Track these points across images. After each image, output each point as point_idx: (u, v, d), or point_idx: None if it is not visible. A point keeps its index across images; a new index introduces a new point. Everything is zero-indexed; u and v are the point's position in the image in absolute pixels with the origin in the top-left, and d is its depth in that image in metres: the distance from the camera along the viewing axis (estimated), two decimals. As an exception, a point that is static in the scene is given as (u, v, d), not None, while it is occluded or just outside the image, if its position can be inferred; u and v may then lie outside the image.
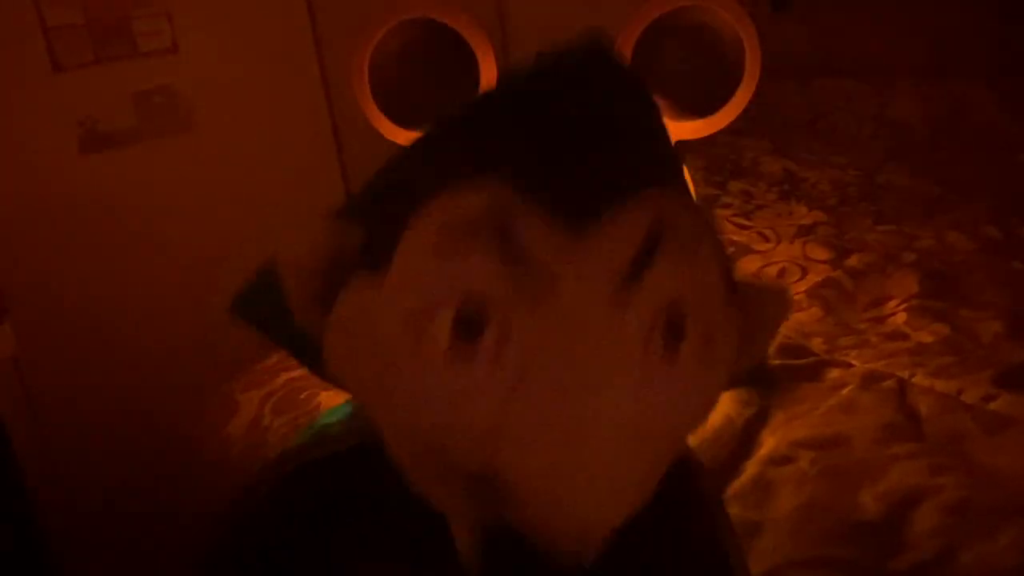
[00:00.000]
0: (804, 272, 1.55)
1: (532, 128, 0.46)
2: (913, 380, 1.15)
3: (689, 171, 1.28)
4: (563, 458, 0.42)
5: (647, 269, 0.43)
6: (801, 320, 1.37)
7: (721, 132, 1.24)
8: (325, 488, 0.58)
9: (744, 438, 1.05)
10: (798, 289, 1.49)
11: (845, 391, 1.13)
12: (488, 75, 1.26)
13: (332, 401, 1.30)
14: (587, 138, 0.46)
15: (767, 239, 1.72)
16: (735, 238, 1.72)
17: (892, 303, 1.40)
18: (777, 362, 1.21)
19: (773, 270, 1.59)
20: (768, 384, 0.62)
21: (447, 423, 0.44)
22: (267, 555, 0.59)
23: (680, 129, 1.26)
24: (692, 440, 1.03)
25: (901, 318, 1.35)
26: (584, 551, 0.44)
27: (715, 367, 0.47)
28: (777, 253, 1.65)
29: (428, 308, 0.43)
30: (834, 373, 1.19)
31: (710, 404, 0.50)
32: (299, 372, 1.42)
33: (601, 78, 0.49)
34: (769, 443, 1.04)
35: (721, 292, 0.48)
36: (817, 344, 1.28)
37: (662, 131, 0.51)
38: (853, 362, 1.21)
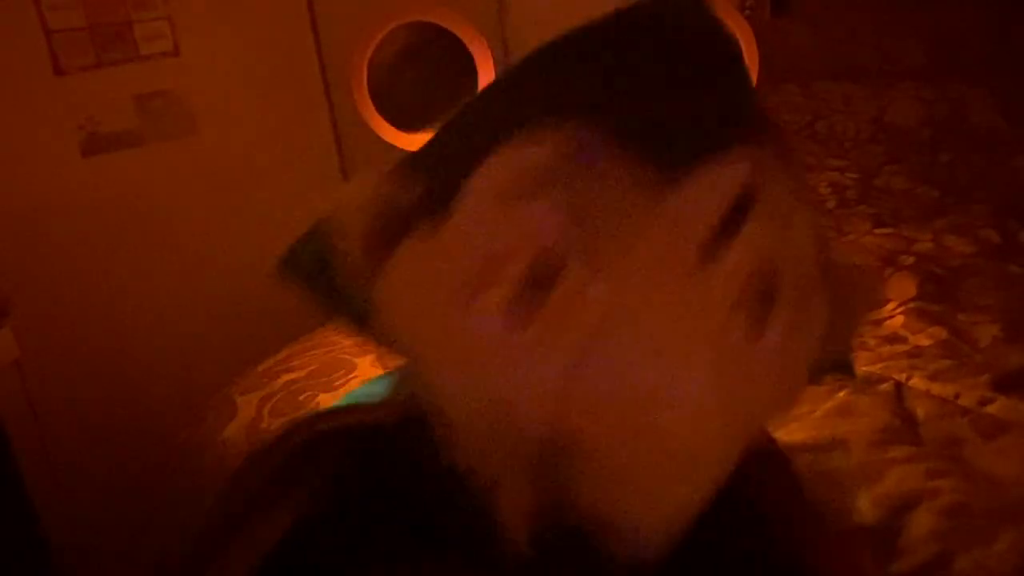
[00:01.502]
0: (803, 275, 1.56)
1: (615, 70, 0.41)
2: (910, 383, 1.15)
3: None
4: (635, 429, 0.38)
5: (737, 231, 0.39)
6: (799, 323, 1.37)
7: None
8: (347, 460, 0.50)
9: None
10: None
11: (842, 394, 1.13)
12: (486, 78, 1.26)
13: (330, 403, 1.30)
14: (677, 84, 0.41)
15: (766, 242, 1.72)
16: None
17: (890, 306, 1.40)
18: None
19: (772, 273, 1.59)
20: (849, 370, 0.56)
21: (511, 383, 0.39)
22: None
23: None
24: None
25: (899, 321, 1.34)
26: (649, 542, 0.38)
27: (804, 347, 0.42)
28: (776, 256, 1.65)
29: (492, 261, 0.39)
30: (830, 375, 1.19)
31: (796, 387, 0.44)
32: (298, 374, 1.42)
33: (691, 23, 0.43)
34: (766, 446, 1.04)
35: (815, 266, 0.43)
36: (815, 347, 1.28)
37: (751, 87, 0.46)
38: (851, 365, 1.21)
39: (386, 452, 0.48)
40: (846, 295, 0.45)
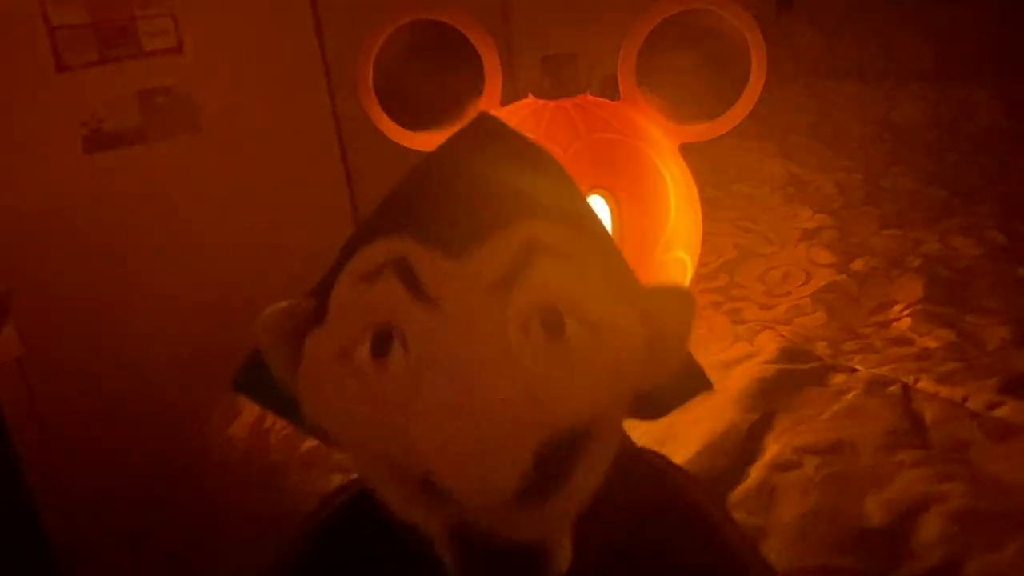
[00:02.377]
0: (808, 276, 1.55)
1: (426, 192, 0.58)
2: (918, 386, 1.14)
3: (692, 173, 1.28)
4: (465, 429, 0.49)
5: (520, 276, 0.53)
6: (805, 324, 1.37)
7: (726, 134, 1.24)
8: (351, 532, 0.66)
9: (749, 443, 1.05)
10: (802, 293, 1.49)
11: (850, 396, 1.13)
12: (492, 77, 1.25)
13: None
14: (463, 190, 0.57)
15: (771, 242, 1.72)
16: (738, 241, 1.72)
17: (897, 308, 1.40)
18: (781, 367, 1.21)
19: (777, 273, 1.58)
20: (698, 386, 0.67)
21: (381, 429, 0.53)
22: None
23: (686, 132, 1.26)
24: (696, 445, 1.03)
25: (906, 323, 1.34)
26: (491, 496, 0.50)
27: (606, 355, 0.54)
28: (781, 256, 1.65)
29: (351, 337, 0.54)
30: (838, 378, 1.18)
31: (612, 386, 0.55)
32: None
33: (478, 145, 0.61)
34: (773, 448, 1.03)
35: (605, 292, 0.56)
36: (821, 348, 1.28)
37: (551, 166, 0.62)
38: (857, 367, 1.21)
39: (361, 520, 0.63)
40: (659, 311, 0.58)
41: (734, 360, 1.21)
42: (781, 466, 1.00)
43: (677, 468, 0.74)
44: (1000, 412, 1.06)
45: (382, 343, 0.53)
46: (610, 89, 1.26)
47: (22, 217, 1.77)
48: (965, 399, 1.10)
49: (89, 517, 1.71)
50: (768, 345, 1.27)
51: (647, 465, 0.69)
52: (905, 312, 1.37)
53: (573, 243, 0.56)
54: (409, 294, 0.52)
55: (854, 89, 2.39)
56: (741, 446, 1.04)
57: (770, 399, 1.11)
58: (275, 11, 2.09)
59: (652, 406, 0.63)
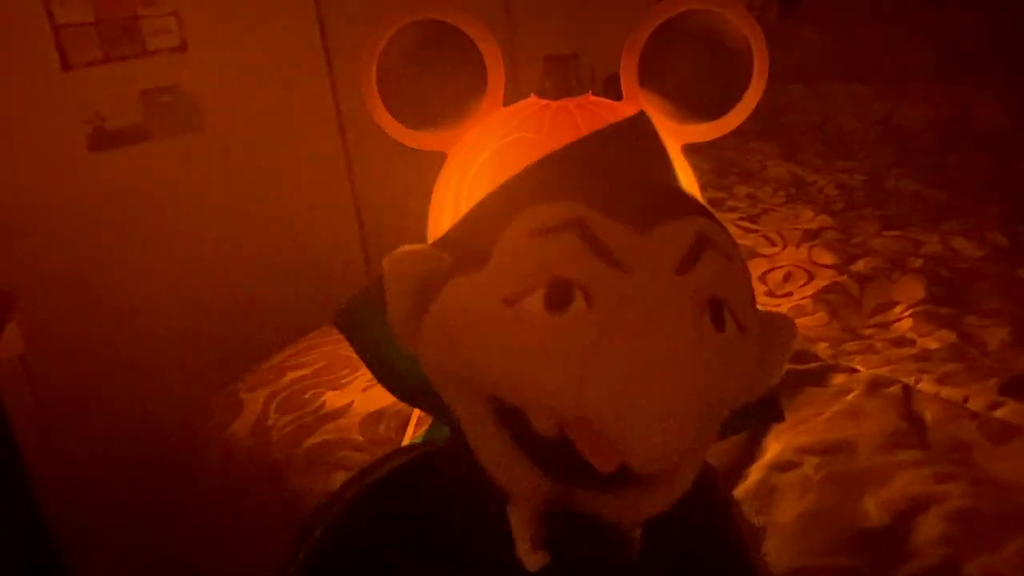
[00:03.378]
0: (810, 276, 1.55)
1: (599, 167, 0.60)
2: (918, 387, 1.15)
3: (695, 174, 1.28)
4: (640, 392, 0.51)
5: (695, 265, 0.55)
6: (806, 325, 1.37)
7: (728, 135, 1.24)
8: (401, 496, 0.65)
9: (749, 443, 1.05)
10: (804, 293, 1.49)
11: (850, 397, 1.13)
12: (495, 76, 1.25)
13: (336, 401, 1.30)
14: (638, 175, 0.59)
15: (773, 243, 1.72)
16: (741, 242, 1.72)
17: (898, 309, 1.40)
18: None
19: (779, 274, 1.58)
20: (774, 414, 0.71)
21: (542, 378, 0.52)
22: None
23: (688, 132, 1.26)
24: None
25: (907, 324, 1.34)
26: (654, 469, 0.52)
27: (749, 356, 0.58)
28: (783, 257, 1.65)
29: (525, 286, 0.53)
30: (839, 378, 1.19)
31: (751, 382, 0.59)
32: (305, 371, 1.42)
33: (643, 138, 0.64)
34: (774, 448, 1.03)
35: (753, 298, 0.60)
36: (822, 349, 1.28)
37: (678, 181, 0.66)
38: (858, 367, 1.21)
39: (426, 484, 0.64)
40: (767, 334, 0.61)
41: (735, 360, 1.21)
42: (781, 466, 1.00)
43: (714, 468, 0.77)
44: (1000, 413, 1.07)
45: (559, 296, 0.52)
46: (612, 89, 1.27)
47: (25, 215, 1.77)
48: (965, 400, 1.10)
49: (90, 514, 1.71)
50: (769, 345, 1.27)
51: (710, 480, 0.71)
52: (906, 313, 1.37)
53: (732, 247, 0.59)
54: (595, 255, 0.53)
55: (856, 90, 2.39)
56: (741, 446, 1.05)
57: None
58: (279, 10, 2.09)
59: (738, 421, 0.64)
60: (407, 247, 0.59)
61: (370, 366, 0.66)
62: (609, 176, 0.59)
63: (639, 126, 0.65)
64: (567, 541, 0.55)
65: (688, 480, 0.58)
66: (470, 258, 0.57)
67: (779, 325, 0.63)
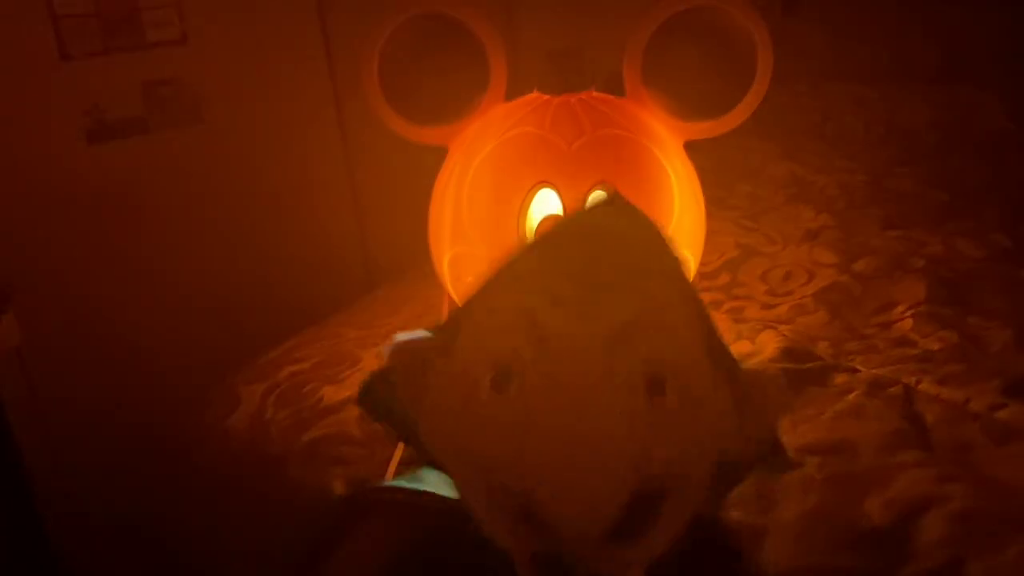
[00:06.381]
0: (811, 276, 1.55)
1: (555, 256, 0.65)
2: (920, 387, 1.14)
3: (696, 172, 1.28)
4: (573, 456, 0.56)
5: (628, 344, 0.59)
6: (807, 324, 1.37)
7: (729, 133, 1.23)
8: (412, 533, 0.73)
9: (749, 442, 1.05)
10: (804, 292, 1.48)
11: (851, 396, 1.13)
12: (497, 71, 1.25)
13: (335, 395, 1.30)
14: (589, 255, 0.63)
15: (774, 242, 1.71)
16: (742, 240, 1.72)
17: (899, 309, 1.39)
18: (783, 366, 1.21)
19: (779, 273, 1.58)
20: (781, 465, 0.72)
21: (493, 450, 0.59)
22: None
23: (690, 130, 1.25)
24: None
25: (908, 324, 1.34)
26: (588, 535, 0.56)
27: (699, 421, 0.61)
28: (783, 256, 1.65)
29: (475, 373, 0.61)
30: (840, 378, 1.18)
31: (701, 450, 0.62)
32: (303, 366, 1.42)
33: (609, 222, 0.66)
34: (775, 448, 1.03)
35: (703, 366, 0.62)
36: (823, 348, 1.27)
37: (657, 241, 0.67)
38: (859, 367, 1.21)
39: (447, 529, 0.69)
40: (756, 394, 0.64)
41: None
42: (782, 465, 1.00)
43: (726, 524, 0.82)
44: (1002, 414, 1.06)
45: (503, 380, 0.60)
46: (615, 85, 1.26)
47: (23, 206, 1.76)
48: (967, 401, 1.10)
49: (86, 505, 1.70)
50: (770, 344, 1.27)
51: (722, 528, 0.77)
52: (907, 313, 1.37)
53: (679, 313, 0.63)
54: (531, 342, 0.59)
55: (859, 90, 2.38)
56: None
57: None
58: (280, 3, 2.09)
59: (735, 474, 0.68)
60: (402, 338, 0.68)
61: (398, 435, 0.74)
62: (564, 261, 0.64)
63: (609, 203, 0.68)
64: None
65: (669, 534, 0.60)
66: (448, 343, 0.65)
67: (765, 383, 0.66)
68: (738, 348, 1.26)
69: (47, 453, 1.65)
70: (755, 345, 1.28)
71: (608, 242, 0.64)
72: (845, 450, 1.01)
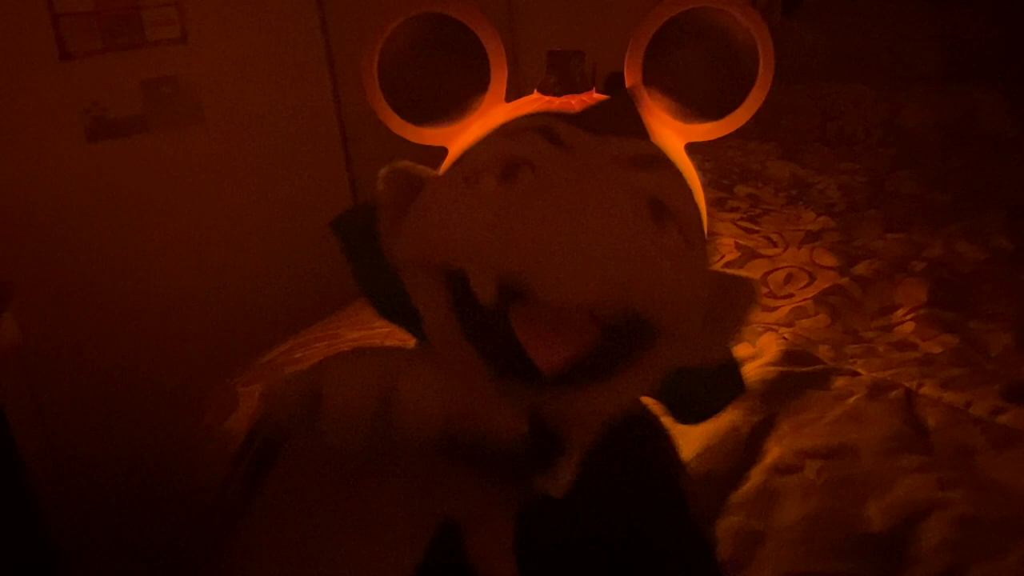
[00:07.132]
0: (811, 278, 1.54)
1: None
2: (921, 391, 1.14)
3: (697, 173, 1.27)
4: (559, 232, 0.55)
5: (643, 170, 0.60)
6: (808, 327, 1.36)
7: (730, 135, 1.23)
8: None
9: (750, 446, 1.04)
10: (805, 295, 1.48)
11: (852, 400, 1.12)
12: (498, 72, 1.24)
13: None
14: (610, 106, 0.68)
15: (774, 244, 1.71)
16: (742, 242, 1.71)
17: (900, 312, 1.39)
18: (783, 369, 1.20)
19: (780, 275, 1.58)
20: (734, 383, 0.71)
21: (483, 236, 0.57)
22: None
23: (692, 131, 1.25)
24: (697, 447, 1.02)
25: (909, 327, 1.33)
26: (578, 297, 0.55)
27: (693, 259, 0.61)
28: (784, 258, 1.64)
29: (484, 167, 0.60)
30: (841, 381, 1.18)
31: (688, 298, 0.60)
32: (302, 366, 1.41)
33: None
34: (775, 451, 1.03)
35: (701, 223, 0.64)
36: (824, 351, 1.27)
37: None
38: (860, 371, 1.20)
39: None
40: (725, 294, 0.63)
41: (736, 361, 1.20)
42: (782, 469, 0.99)
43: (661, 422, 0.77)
44: (1003, 418, 1.06)
45: (509, 171, 0.59)
46: (616, 86, 1.25)
47: (23, 205, 1.76)
48: (968, 405, 1.10)
49: (86, 505, 1.70)
50: (770, 347, 1.26)
51: (650, 416, 0.72)
52: (908, 316, 1.36)
53: (685, 182, 0.64)
54: (547, 141, 0.60)
55: (859, 91, 2.38)
56: (742, 448, 1.04)
57: (772, 401, 1.11)
58: (280, 2, 2.08)
59: (688, 405, 0.67)
60: (402, 162, 0.67)
61: (356, 274, 0.71)
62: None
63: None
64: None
65: (621, 396, 0.60)
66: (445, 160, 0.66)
67: (740, 286, 0.65)
68: (738, 351, 1.26)
69: (47, 451, 1.65)
70: (755, 348, 1.28)
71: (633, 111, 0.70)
72: (845, 454, 1.01)
